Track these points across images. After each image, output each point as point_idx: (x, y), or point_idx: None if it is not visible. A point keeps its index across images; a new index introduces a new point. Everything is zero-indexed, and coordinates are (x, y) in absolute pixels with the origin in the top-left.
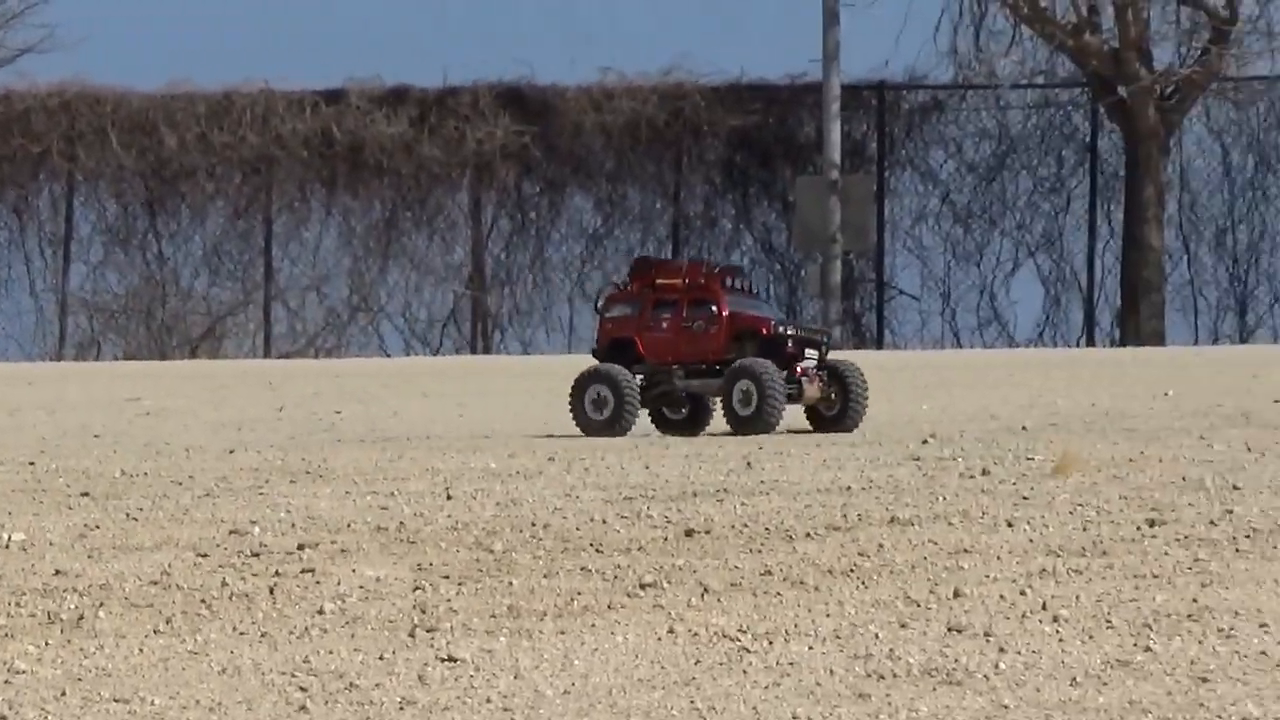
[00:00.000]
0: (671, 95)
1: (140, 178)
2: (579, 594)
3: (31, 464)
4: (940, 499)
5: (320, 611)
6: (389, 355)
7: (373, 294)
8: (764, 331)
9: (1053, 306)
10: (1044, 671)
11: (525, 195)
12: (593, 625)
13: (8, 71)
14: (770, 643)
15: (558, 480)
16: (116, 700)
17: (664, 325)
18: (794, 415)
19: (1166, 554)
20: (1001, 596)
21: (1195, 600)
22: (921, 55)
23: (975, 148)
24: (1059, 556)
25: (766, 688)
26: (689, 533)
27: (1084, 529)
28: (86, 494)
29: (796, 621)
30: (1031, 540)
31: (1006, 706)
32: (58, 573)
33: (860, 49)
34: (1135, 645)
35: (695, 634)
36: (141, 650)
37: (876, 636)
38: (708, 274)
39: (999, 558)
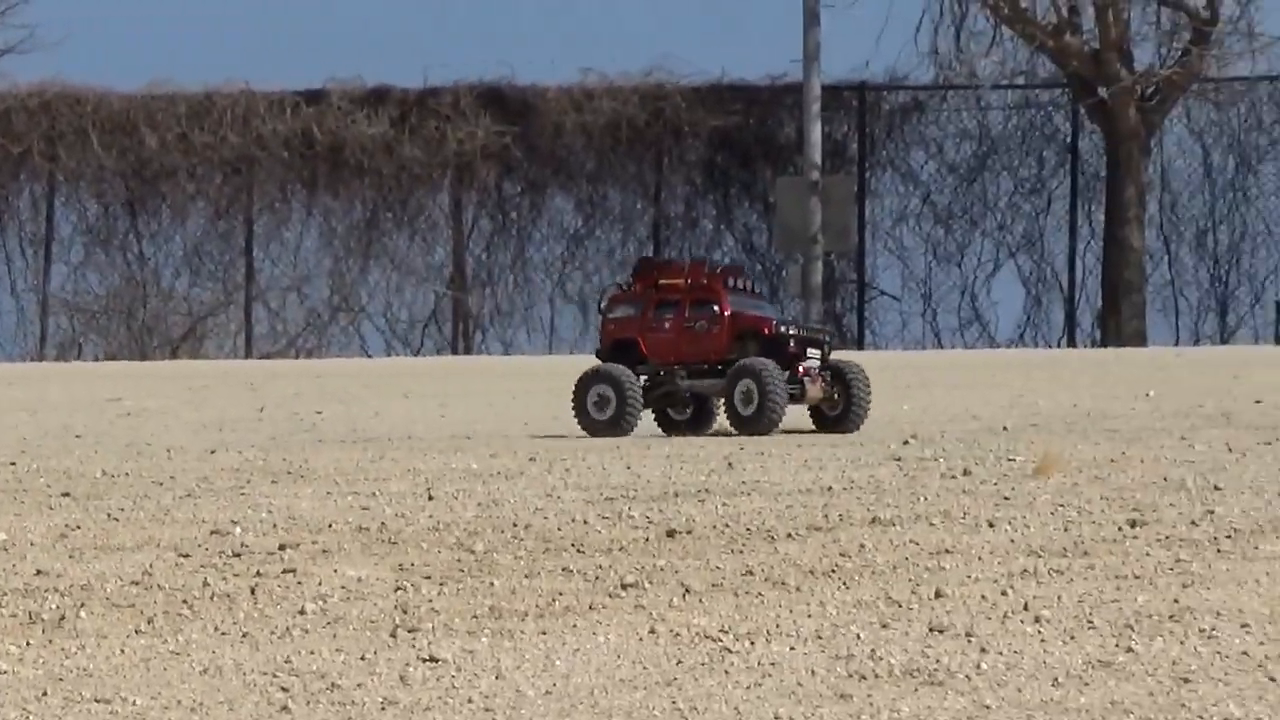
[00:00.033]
0: (652, 96)
1: (121, 178)
2: (560, 594)
3: (13, 464)
4: (922, 499)
5: (302, 612)
6: (370, 356)
7: (354, 294)
8: (766, 331)
9: (1034, 307)
10: (1026, 672)
11: (506, 195)
12: (574, 626)
13: None
14: (752, 643)
15: (539, 481)
16: (98, 700)
17: (666, 325)
18: (798, 416)
19: (1148, 554)
20: (983, 597)
21: (1177, 601)
22: (902, 56)
23: (956, 148)
24: (1040, 557)
25: (748, 688)
26: (670, 533)
27: (1065, 529)
28: (68, 494)
29: (778, 622)
30: (1013, 541)
31: (988, 707)
32: (39, 573)
33: (841, 50)
34: (1117, 646)
35: (677, 634)
36: (123, 650)
37: (858, 637)
38: (710, 274)
39: (980, 558)
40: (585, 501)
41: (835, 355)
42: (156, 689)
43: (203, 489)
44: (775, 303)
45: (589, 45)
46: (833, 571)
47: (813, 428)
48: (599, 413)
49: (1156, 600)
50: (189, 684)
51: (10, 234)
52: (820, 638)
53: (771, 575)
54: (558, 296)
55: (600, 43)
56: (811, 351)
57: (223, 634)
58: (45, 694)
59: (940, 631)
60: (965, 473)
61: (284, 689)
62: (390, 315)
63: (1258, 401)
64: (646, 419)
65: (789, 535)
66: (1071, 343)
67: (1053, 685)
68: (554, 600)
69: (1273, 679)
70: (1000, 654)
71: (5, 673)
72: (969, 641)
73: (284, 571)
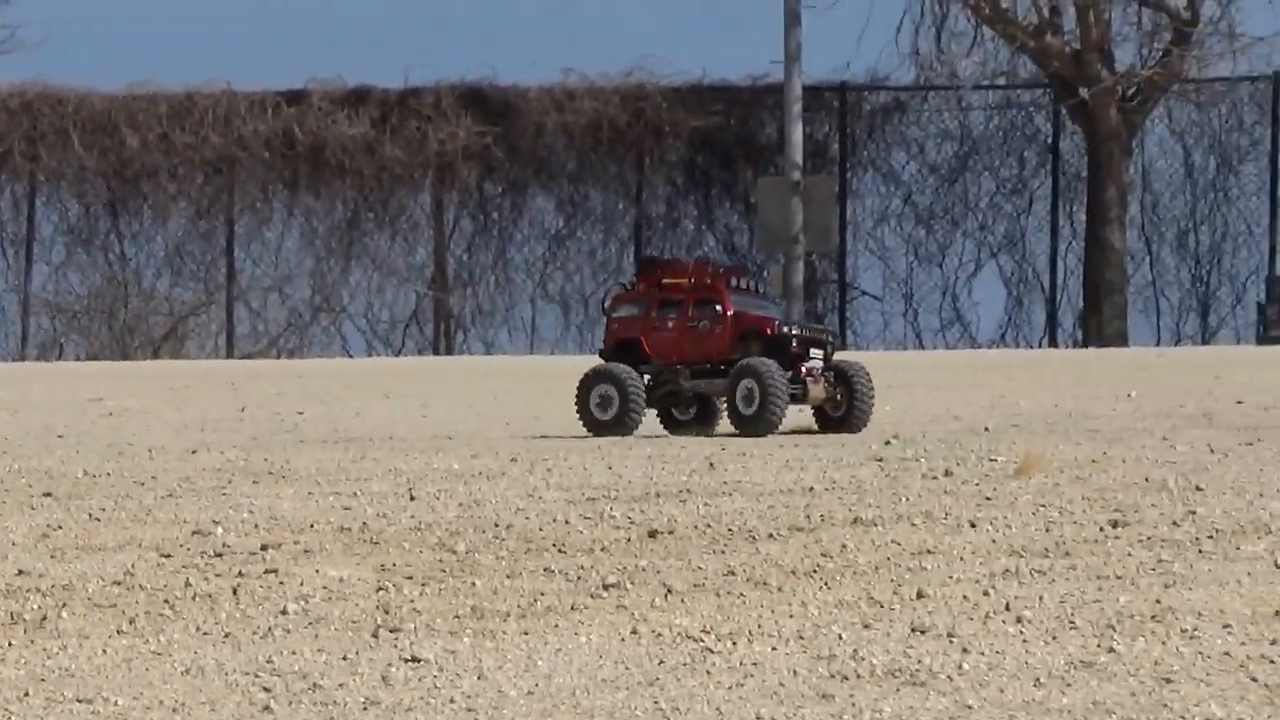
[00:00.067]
0: (633, 96)
1: (102, 178)
2: (542, 594)
3: None
4: (903, 500)
5: (283, 612)
6: (351, 356)
7: (335, 294)
8: (769, 332)
9: (1015, 307)
10: (1007, 672)
11: (487, 196)
12: (556, 626)
13: None
14: (734, 643)
15: (521, 481)
16: (80, 700)
17: (669, 325)
18: (802, 416)
19: (1129, 555)
20: (965, 597)
21: (1158, 601)
22: (883, 56)
23: (937, 149)
24: (1022, 557)
25: (730, 688)
26: (652, 533)
27: (1047, 530)
28: (49, 494)
29: (760, 622)
30: (994, 541)
31: (970, 707)
32: (20, 573)
33: (822, 50)
34: (1099, 646)
35: (659, 634)
36: (105, 650)
37: (840, 637)
38: (713, 274)
39: (962, 558)
40: (567, 502)
41: (838, 355)
42: (138, 689)
43: (184, 489)
44: (778, 303)
45: (570, 46)
46: (814, 572)
47: (816, 428)
48: (602, 412)
49: (1138, 600)
50: (171, 684)
51: None
52: (802, 638)
53: (753, 575)
54: (539, 297)
55: (581, 43)
56: (814, 352)
57: (205, 634)
58: (27, 694)
59: (922, 632)
60: (947, 473)
61: (266, 689)
62: (371, 315)
63: (1239, 402)
64: (650, 418)
65: (771, 535)
66: (1053, 343)
67: (1035, 685)
68: (536, 600)
69: (1254, 679)
70: (982, 654)
71: None
72: (951, 642)
73: (266, 572)
